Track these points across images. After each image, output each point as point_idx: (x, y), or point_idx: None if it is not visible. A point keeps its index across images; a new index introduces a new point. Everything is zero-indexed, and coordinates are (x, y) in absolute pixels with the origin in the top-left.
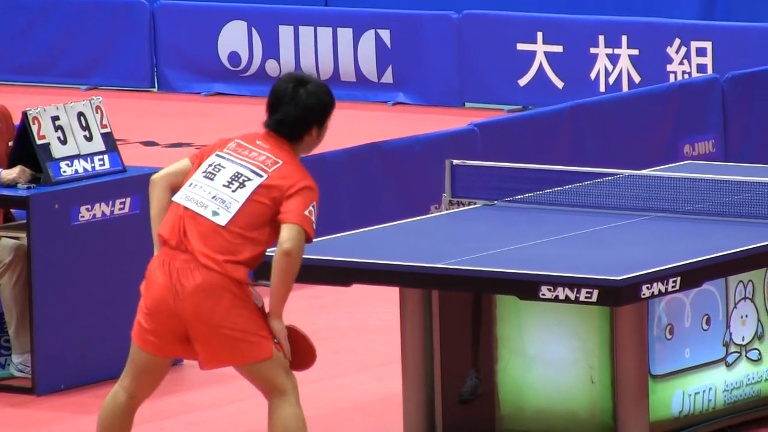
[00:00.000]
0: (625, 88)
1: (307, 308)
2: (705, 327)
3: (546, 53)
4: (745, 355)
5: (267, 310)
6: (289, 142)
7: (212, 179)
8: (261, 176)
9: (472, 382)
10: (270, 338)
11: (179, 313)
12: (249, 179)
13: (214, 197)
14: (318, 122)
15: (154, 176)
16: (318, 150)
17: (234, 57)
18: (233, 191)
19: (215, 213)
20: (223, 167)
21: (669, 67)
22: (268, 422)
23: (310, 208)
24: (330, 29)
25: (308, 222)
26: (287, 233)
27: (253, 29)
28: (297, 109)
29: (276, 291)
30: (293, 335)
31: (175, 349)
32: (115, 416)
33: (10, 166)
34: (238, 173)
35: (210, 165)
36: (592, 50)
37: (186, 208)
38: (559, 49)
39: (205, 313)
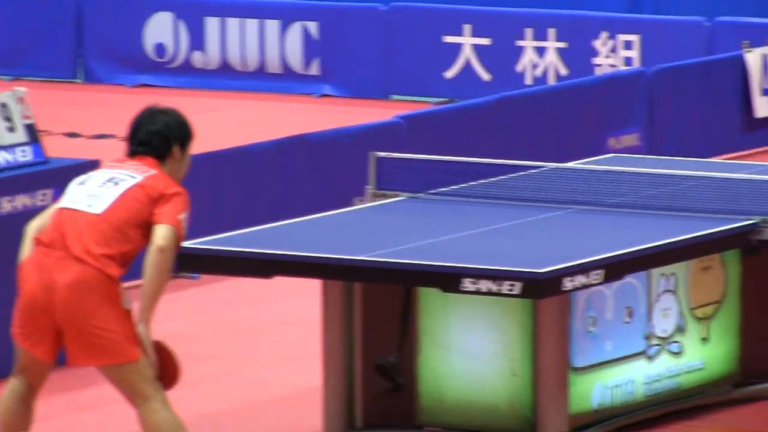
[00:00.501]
0: (551, 81)
1: (228, 300)
2: (627, 320)
3: (473, 46)
4: (666, 348)
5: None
6: (155, 160)
7: (86, 184)
8: (135, 177)
9: (393, 360)
10: (136, 342)
11: (51, 309)
12: (123, 179)
13: (89, 195)
14: (179, 141)
15: (29, 225)
16: (243, 142)
17: (160, 48)
18: (107, 189)
19: (90, 206)
20: (96, 176)
21: (596, 60)
22: None
23: (183, 215)
24: (257, 21)
25: (180, 226)
26: (161, 232)
27: (180, 21)
28: (155, 126)
29: (147, 292)
30: (160, 351)
31: (51, 346)
32: (13, 404)
33: None
34: (112, 177)
35: (82, 178)
36: (519, 43)
37: (64, 209)
38: (486, 41)
39: (75, 308)
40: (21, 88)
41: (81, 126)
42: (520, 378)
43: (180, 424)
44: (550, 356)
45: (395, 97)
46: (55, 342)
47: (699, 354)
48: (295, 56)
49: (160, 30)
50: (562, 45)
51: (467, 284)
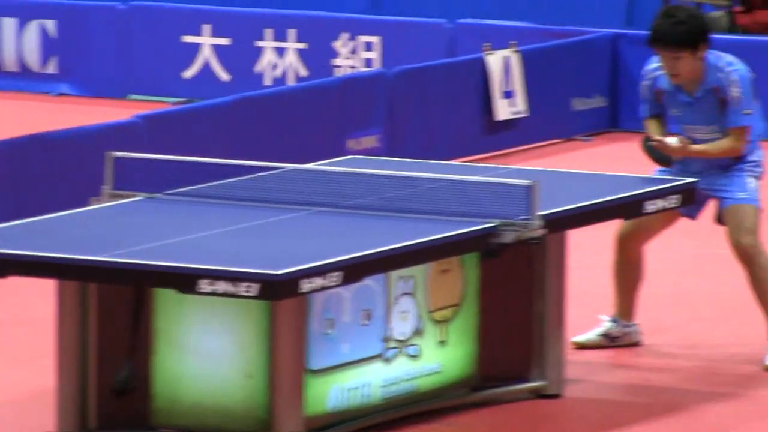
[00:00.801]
0: (291, 82)
1: None
2: (365, 322)
3: (212, 46)
4: (404, 351)
5: None
6: None
7: None
8: None
9: (126, 373)
10: None
11: None
12: None
13: None
14: None
15: None
16: None
17: None
18: None
19: None
20: None
21: (336, 62)
22: None
23: None
24: None
25: None
26: None
27: None
28: None
29: None
30: None
31: None
32: None
33: None
34: None
35: None
36: (259, 44)
37: None
38: (225, 41)
39: None
40: None
41: None
42: (256, 380)
43: None
44: (285, 358)
45: (134, 96)
46: None
47: (437, 357)
48: (32, 54)
49: None
50: (302, 46)
51: (204, 285)
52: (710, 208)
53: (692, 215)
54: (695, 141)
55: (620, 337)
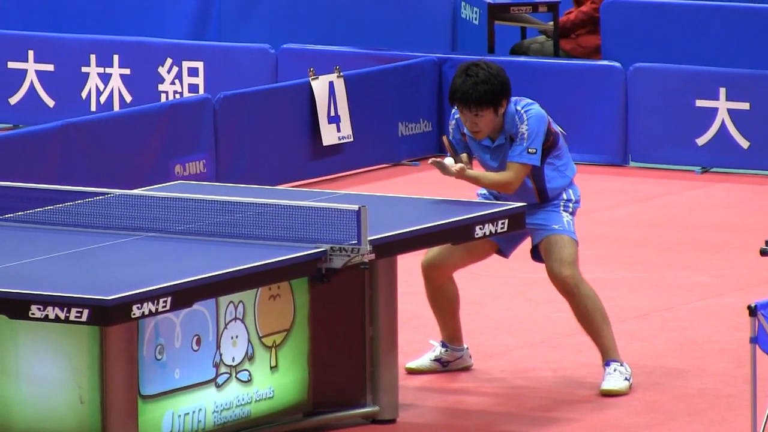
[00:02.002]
0: (116, 107)
1: None
2: (195, 347)
3: (37, 71)
4: (236, 376)
5: None
6: None
7: None
8: None
9: None
10: None
11: None
12: None
13: None
14: None
15: None
16: None
17: None
18: None
19: None
20: None
21: (161, 87)
22: None
23: None
24: None
25: None
26: None
27: None
28: None
29: None
30: None
31: None
32: None
33: None
34: None
35: None
36: (84, 69)
37: None
38: (50, 67)
39: None
40: None
41: None
42: (88, 405)
43: None
44: (118, 384)
45: None
46: None
47: (268, 382)
48: None
49: None
50: (125, 71)
51: (35, 311)
52: (525, 246)
53: (505, 253)
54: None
55: (452, 361)
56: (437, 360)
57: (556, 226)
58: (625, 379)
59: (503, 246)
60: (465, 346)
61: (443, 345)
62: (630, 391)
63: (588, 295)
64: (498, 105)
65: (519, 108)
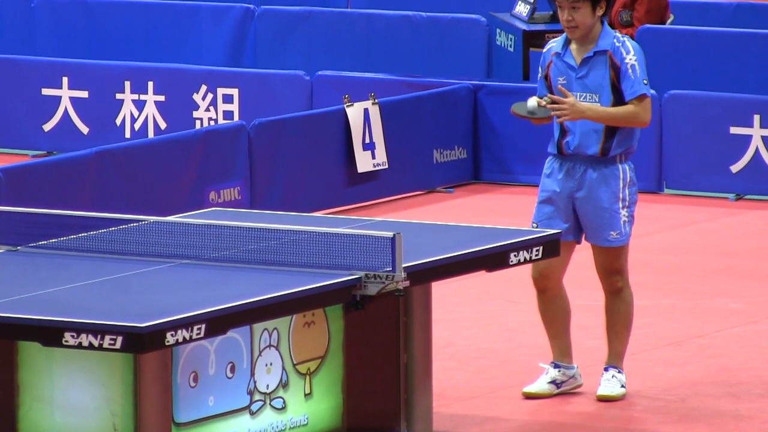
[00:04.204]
0: (151, 134)
1: None
2: (230, 375)
3: (71, 98)
4: (270, 404)
5: None
6: None
7: None
8: None
9: None
10: None
11: None
12: None
13: None
14: None
15: None
16: None
17: None
18: None
19: None
20: None
21: (195, 114)
22: None
23: None
24: None
25: None
26: None
27: None
28: None
29: None
30: None
31: None
32: None
33: None
34: None
35: None
36: (118, 96)
37: None
38: (84, 94)
39: None
40: None
41: None
42: None
43: None
44: (152, 411)
45: None
46: None
47: (303, 409)
48: None
49: None
50: (160, 98)
51: (68, 338)
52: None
53: (578, 239)
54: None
55: (566, 381)
56: (553, 382)
57: (614, 234)
58: (621, 386)
59: (578, 235)
60: (575, 365)
61: (555, 366)
62: (624, 397)
63: (627, 301)
64: (596, 2)
65: (618, 35)
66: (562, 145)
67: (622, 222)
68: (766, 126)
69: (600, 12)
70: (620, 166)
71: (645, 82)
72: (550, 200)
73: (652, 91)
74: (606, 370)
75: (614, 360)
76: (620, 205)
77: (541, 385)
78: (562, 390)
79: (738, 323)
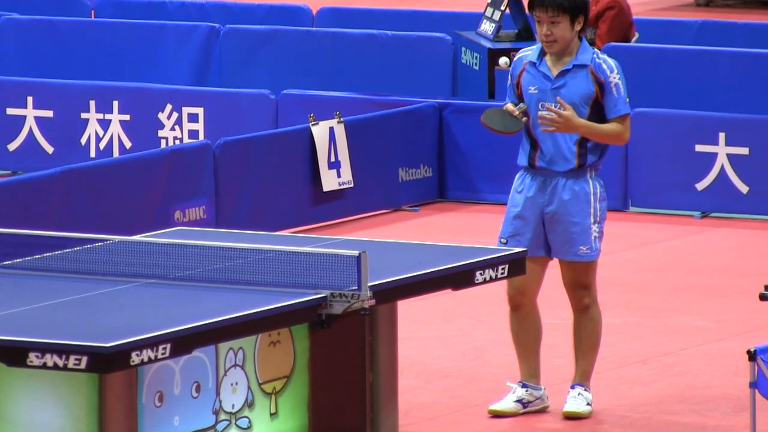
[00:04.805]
0: (116, 153)
1: None
2: (195, 394)
3: (36, 118)
4: (236, 423)
5: None
6: None
7: None
8: None
9: None
10: None
11: None
12: None
13: None
14: None
15: None
16: None
17: None
18: None
19: None
20: None
21: (161, 133)
22: None
23: None
24: None
25: None
26: None
27: None
28: None
29: None
30: None
31: None
32: None
33: None
34: None
35: None
36: (83, 115)
37: None
38: (49, 113)
39: None
40: None
41: None
42: None
43: None
44: (116, 431)
45: None
46: None
47: (268, 429)
48: None
49: None
50: (125, 117)
51: (33, 358)
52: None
53: (550, 255)
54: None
55: (532, 401)
56: (519, 401)
57: (583, 249)
58: (587, 404)
59: (549, 250)
60: (543, 386)
61: (523, 385)
62: (591, 415)
63: (595, 319)
64: (575, 17)
65: (597, 52)
66: (535, 158)
67: (593, 237)
68: (732, 144)
69: (578, 27)
70: (591, 182)
71: (627, 100)
72: (520, 215)
73: None
74: (572, 387)
75: (581, 378)
76: (591, 219)
77: (507, 403)
78: (528, 410)
79: (704, 341)
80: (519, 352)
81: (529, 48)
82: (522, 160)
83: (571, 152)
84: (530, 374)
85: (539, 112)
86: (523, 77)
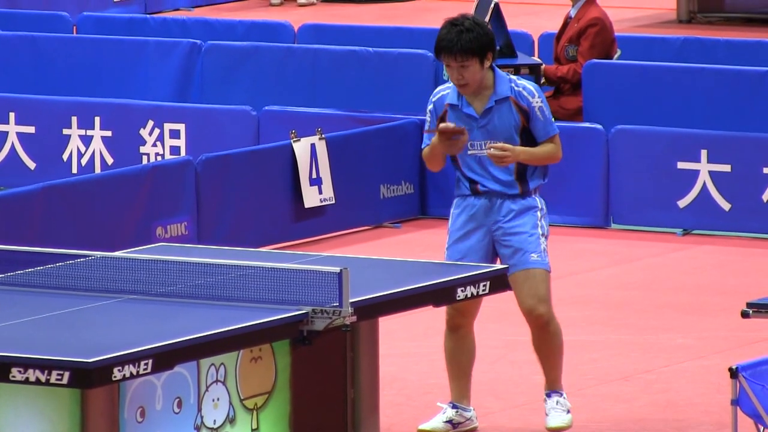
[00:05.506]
0: (98, 169)
1: None
2: (177, 410)
3: (18, 134)
4: None
5: None
6: None
7: None
8: None
9: None
10: None
11: None
12: None
13: None
14: None
15: None
16: None
17: None
18: None
19: None
20: None
21: (142, 149)
22: None
23: None
24: None
25: None
26: None
27: None
28: None
29: None
30: None
31: None
32: None
33: None
34: None
35: None
36: (65, 131)
37: None
38: (31, 129)
39: None
40: None
41: None
42: None
43: None
44: None
45: None
46: None
47: None
48: None
49: None
50: (107, 133)
51: (15, 374)
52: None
53: None
54: (482, 160)
55: (462, 422)
56: (449, 422)
57: (534, 257)
58: (567, 411)
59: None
60: (472, 408)
61: (453, 406)
62: (572, 423)
63: (556, 333)
64: (483, 57)
65: (513, 78)
66: (477, 187)
67: (542, 248)
68: (714, 161)
69: (488, 63)
70: (536, 198)
71: (552, 120)
72: (465, 237)
73: (599, 126)
74: (549, 396)
75: (553, 385)
76: (540, 232)
77: (437, 423)
78: (458, 431)
79: (685, 358)
80: (451, 373)
81: (445, 87)
82: (464, 190)
83: (511, 180)
84: (461, 395)
85: (488, 152)
86: (447, 118)
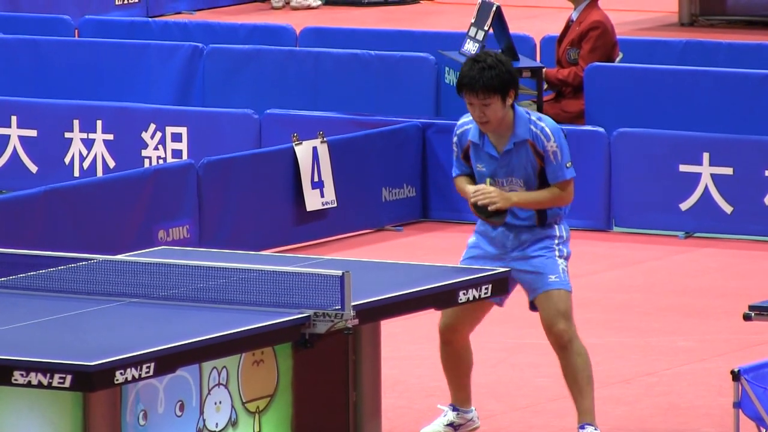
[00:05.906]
0: (99, 173)
1: None
2: (179, 413)
3: (20, 137)
4: None
5: None
6: None
7: None
8: None
9: None
10: None
11: None
12: None
13: None
14: None
15: None
16: None
17: None
18: None
19: None
20: None
21: (144, 152)
22: None
23: None
24: None
25: None
26: None
27: None
28: None
29: None
30: None
31: None
32: None
33: None
34: None
35: None
36: (67, 134)
37: None
38: (33, 133)
39: None
40: None
41: None
42: None
43: None
44: None
45: None
46: None
47: None
48: None
49: None
50: (109, 137)
51: (18, 377)
52: (520, 294)
53: (500, 302)
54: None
55: (463, 424)
56: (450, 425)
57: (553, 277)
58: None
59: (498, 297)
60: (473, 407)
61: (454, 409)
62: None
63: (579, 352)
64: (506, 94)
65: (533, 118)
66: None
67: (560, 269)
68: (716, 164)
69: (510, 101)
70: (555, 227)
71: (568, 165)
72: (480, 256)
73: (600, 129)
74: (582, 428)
75: (586, 417)
76: (557, 254)
77: (438, 426)
78: None
79: (687, 361)
80: (449, 381)
81: (468, 121)
82: (481, 226)
83: (530, 217)
84: (462, 398)
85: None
86: (470, 152)
